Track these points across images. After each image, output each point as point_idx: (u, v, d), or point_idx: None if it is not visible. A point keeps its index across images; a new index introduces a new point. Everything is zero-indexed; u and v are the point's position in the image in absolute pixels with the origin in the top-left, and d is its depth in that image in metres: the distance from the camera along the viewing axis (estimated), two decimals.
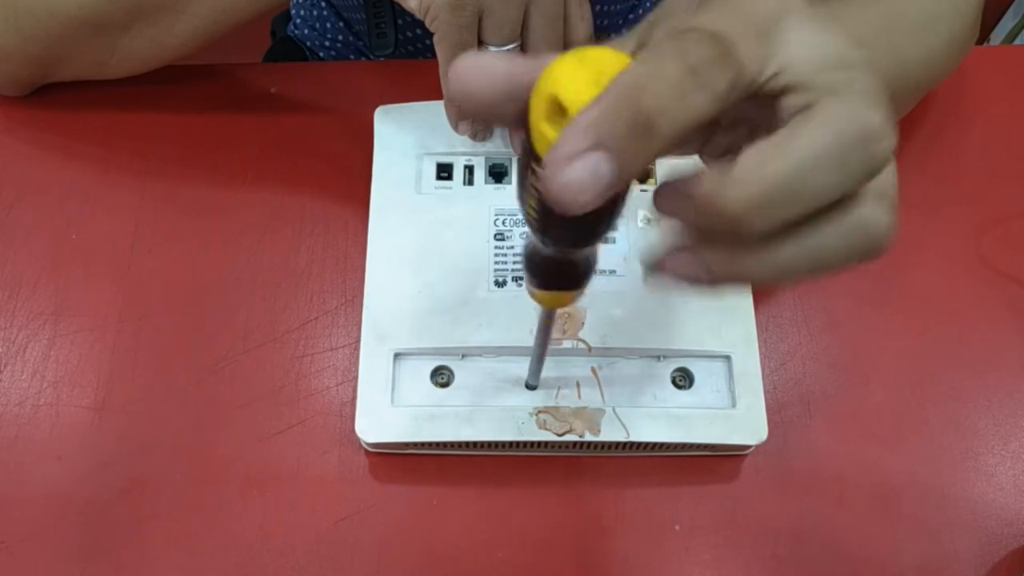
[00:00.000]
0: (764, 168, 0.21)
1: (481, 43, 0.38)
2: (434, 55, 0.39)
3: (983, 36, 0.89)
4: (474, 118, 0.42)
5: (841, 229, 0.22)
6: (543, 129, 0.21)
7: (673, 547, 0.40)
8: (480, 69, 0.22)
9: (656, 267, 0.24)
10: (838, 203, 0.22)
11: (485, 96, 0.22)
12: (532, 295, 0.30)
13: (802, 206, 0.21)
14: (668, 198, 0.23)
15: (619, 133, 0.20)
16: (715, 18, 0.21)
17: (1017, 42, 1.00)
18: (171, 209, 0.47)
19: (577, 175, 0.20)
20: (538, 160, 0.21)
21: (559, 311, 0.36)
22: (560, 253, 0.27)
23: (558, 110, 0.21)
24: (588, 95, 0.20)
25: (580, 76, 0.21)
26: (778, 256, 0.22)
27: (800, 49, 0.22)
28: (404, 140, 0.45)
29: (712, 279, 0.23)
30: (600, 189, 0.20)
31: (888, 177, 0.23)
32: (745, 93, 0.21)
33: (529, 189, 0.23)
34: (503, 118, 0.23)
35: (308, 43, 0.69)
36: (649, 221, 0.43)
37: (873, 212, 0.23)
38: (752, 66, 0.21)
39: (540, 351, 0.37)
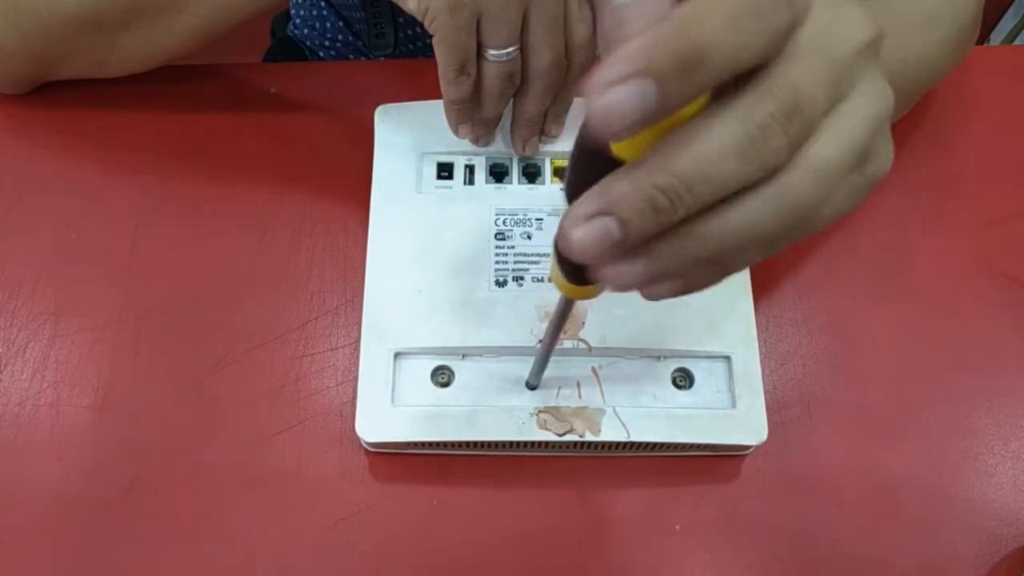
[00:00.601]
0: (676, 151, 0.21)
1: (480, 46, 0.38)
2: (434, 55, 0.39)
3: (983, 36, 0.89)
4: (473, 122, 0.42)
5: (767, 201, 0.22)
6: None
7: (673, 547, 0.40)
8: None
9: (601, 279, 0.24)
10: (762, 180, 0.22)
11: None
12: (558, 284, 0.29)
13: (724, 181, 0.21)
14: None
15: (667, 61, 0.19)
16: None
17: (1017, 42, 1.00)
18: (171, 209, 0.47)
19: (618, 98, 0.19)
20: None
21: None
22: None
23: None
24: None
25: None
26: (714, 234, 0.22)
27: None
28: (404, 140, 0.45)
29: (660, 274, 0.23)
30: (638, 117, 0.19)
31: (825, 148, 0.22)
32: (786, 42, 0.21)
33: (590, 175, 0.23)
34: None
35: (308, 43, 0.69)
36: None
37: (796, 179, 0.22)
38: (802, 14, 0.21)
39: (547, 348, 0.37)
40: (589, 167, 0.23)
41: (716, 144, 0.21)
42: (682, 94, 0.20)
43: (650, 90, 0.19)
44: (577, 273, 0.28)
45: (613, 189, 0.21)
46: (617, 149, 0.22)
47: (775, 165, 0.22)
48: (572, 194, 0.24)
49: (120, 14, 0.43)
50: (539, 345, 0.38)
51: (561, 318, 0.33)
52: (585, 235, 0.21)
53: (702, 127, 0.21)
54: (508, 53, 0.38)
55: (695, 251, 0.22)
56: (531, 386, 0.40)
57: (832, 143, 0.22)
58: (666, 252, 0.22)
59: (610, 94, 0.19)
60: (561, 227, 0.22)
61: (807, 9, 0.21)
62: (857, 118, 0.23)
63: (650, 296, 0.24)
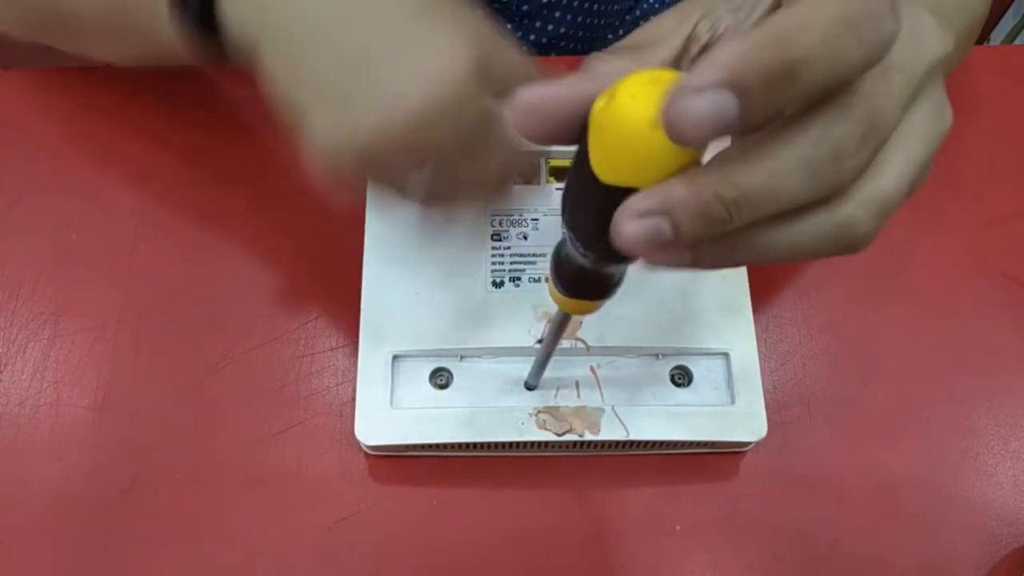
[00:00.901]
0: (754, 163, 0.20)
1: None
2: None
3: (983, 36, 0.89)
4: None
5: (822, 226, 0.22)
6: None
7: (673, 547, 0.40)
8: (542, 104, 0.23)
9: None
10: (823, 200, 0.21)
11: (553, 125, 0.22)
12: (556, 299, 0.29)
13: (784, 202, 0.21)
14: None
15: (756, 75, 0.18)
16: None
17: (1017, 42, 1.00)
18: (171, 209, 0.47)
19: (702, 107, 0.18)
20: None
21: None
22: (596, 266, 0.26)
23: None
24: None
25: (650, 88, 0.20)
26: (757, 245, 0.22)
27: None
28: None
29: (692, 265, 0.23)
30: (717, 128, 0.18)
31: (888, 180, 0.22)
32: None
33: (587, 203, 0.23)
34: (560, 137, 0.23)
35: None
36: None
37: (857, 214, 0.22)
38: (897, 30, 0.19)
39: (547, 352, 0.37)
40: (582, 188, 0.23)
41: (791, 161, 0.20)
42: (765, 111, 0.19)
43: (731, 104, 0.18)
44: (576, 287, 0.28)
45: (674, 192, 0.20)
46: (603, 174, 0.22)
47: (839, 186, 0.21)
48: (568, 209, 0.24)
49: (30, 36, 0.42)
50: (538, 346, 0.38)
51: (559, 328, 0.33)
52: (636, 231, 0.21)
53: (779, 141, 0.20)
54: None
55: (734, 256, 0.22)
56: (530, 387, 0.40)
57: (895, 172, 0.22)
58: (706, 252, 0.22)
59: (694, 101, 0.18)
60: (615, 219, 0.21)
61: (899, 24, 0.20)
62: (920, 141, 0.22)
63: (656, 267, 0.24)
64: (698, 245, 0.22)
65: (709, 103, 0.18)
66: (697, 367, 0.41)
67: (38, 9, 0.41)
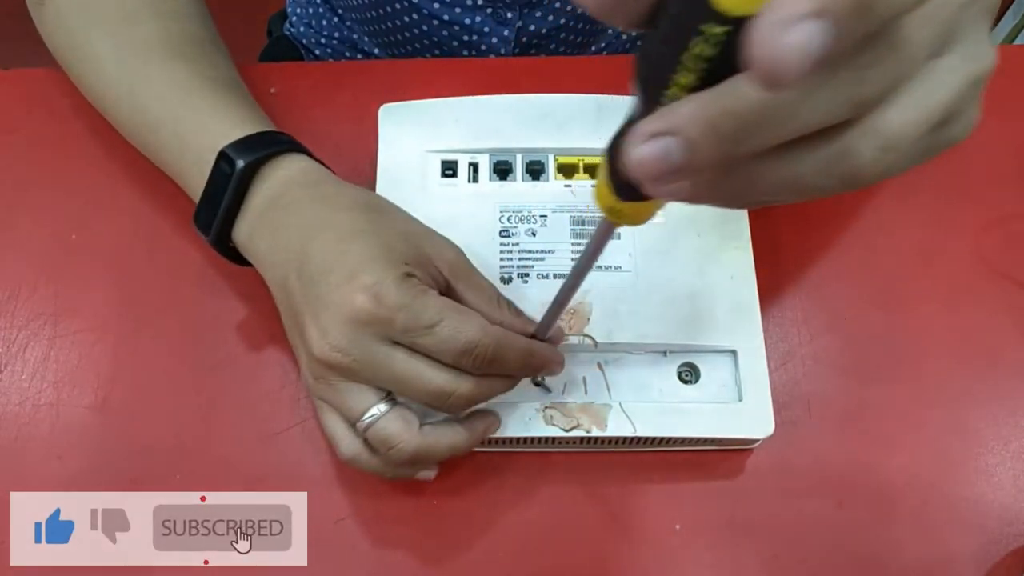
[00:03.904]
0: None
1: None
2: (436, 55, 0.38)
3: None
4: None
5: (824, 155, 0.21)
6: None
7: (673, 547, 0.40)
8: None
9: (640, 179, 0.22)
10: (831, 129, 0.21)
11: None
12: (607, 206, 0.26)
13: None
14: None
15: (845, 3, 0.18)
16: None
17: (1017, 42, 1.00)
18: (171, 209, 0.47)
19: (796, 39, 0.17)
20: (718, 19, 0.19)
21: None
22: None
23: None
24: None
25: None
26: (760, 177, 0.21)
27: None
28: (408, 138, 0.45)
29: (691, 197, 0.22)
30: (811, 62, 0.18)
31: (901, 115, 0.21)
32: None
33: (686, 63, 0.20)
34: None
35: (304, 41, 0.68)
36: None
37: (859, 144, 0.21)
38: None
39: (575, 282, 0.33)
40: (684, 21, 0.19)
41: (817, 81, 0.19)
42: (847, 40, 0.18)
43: (823, 33, 0.17)
44: (633, 189, 0.24)
45: (683, 111, 0.20)
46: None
47: (852, 114, 0.20)
48: (651, 63, 0.21)
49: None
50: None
51: (598, 247, 0.30)
52: (645, 153, 0.20)
53: None
54: (373, 416, 0.36)
55: (737, 188, 0.22)
56: (537, 383, 0.40)
57: (911, 108, 0.21)
58: (705, 184, 0.21)
59: (790, 33, 0.17)
60: (620, 141, 0.20)
61: None
62: (951, 78, 0.22)
63: (660, 197, 0.23)
64: (698, 176, 0.21)
65: (804, 33, 0.17)
66: (704, 364, 0.41)
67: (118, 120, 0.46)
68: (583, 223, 0.43)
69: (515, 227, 0.43)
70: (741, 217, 0.44)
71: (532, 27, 0.58)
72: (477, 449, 0.41)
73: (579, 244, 0.43)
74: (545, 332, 0.38)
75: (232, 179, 0.39)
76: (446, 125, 0.45)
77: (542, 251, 0.42)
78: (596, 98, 0.45)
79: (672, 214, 0.44)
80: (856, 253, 0.47)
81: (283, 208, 0.39)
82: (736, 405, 0.40)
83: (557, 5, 0.56)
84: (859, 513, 0.41)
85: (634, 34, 0.64)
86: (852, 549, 0.40)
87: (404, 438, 0.36)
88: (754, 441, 0.41)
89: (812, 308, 0.45)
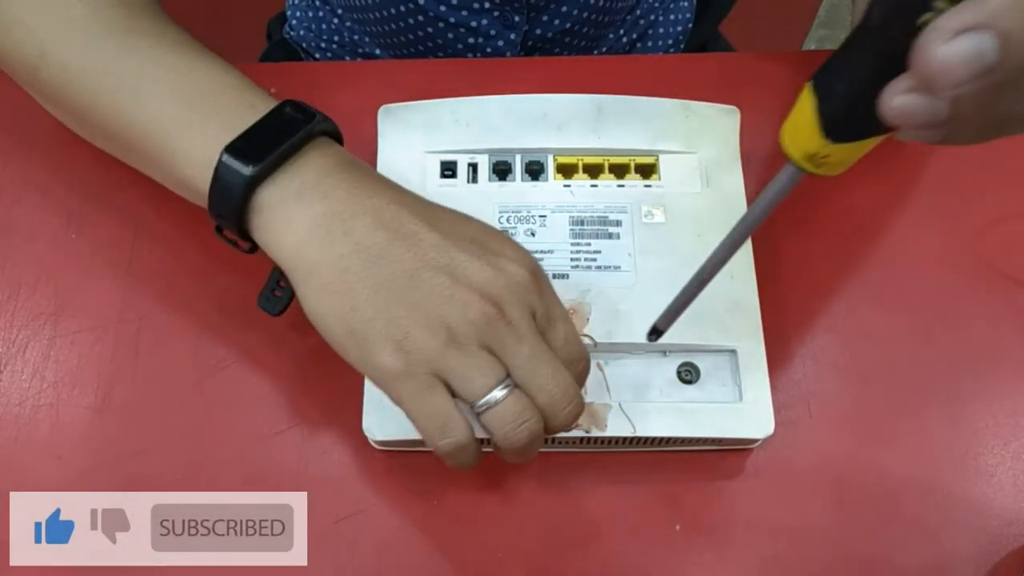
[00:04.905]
0: None
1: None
2: (438, 55, 0.38)
3: None
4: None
5: None
6: None
7: (673, 547, 0.40)
8: None
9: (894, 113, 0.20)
10: None
11: None
12: (814, 157, 0.23)
13: None
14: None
15: None
16: None
17: None
18: (171, 209, 0.47)
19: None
20: None
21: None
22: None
23: None
24: None
25: None
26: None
27: None
28: (408, 139, 0.45)
29: (949, 129, 0.21)
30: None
31: None
32: None
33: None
34: None
35: (304, 44, 0.68)
36: (652, 215, 0.43)
37: None
38: None
39: (731, 248, 0.30)
40: None
41: None
42: None
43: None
44: (852, 125, 0.22)
45: (994, 2, 0.18)
46: None
47: None
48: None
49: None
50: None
51: (771, 206, 0.26)
52: (956, 51, 0.18)
53: None
54: (496, 399, 0.33)
55: (1004, 110, 0.20)
56: (659, 331, 0.37)
57: None
58: (978, 106, 0.20)
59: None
60: (917, 49, 0.18)
61: None
62: None
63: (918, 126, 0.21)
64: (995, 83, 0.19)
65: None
66: (704, 364, 0.41)
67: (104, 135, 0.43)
68: (582, 223, 0.43)
69: (514, 227, 0.43)
70: None
71: (538, 31, 0.58)
72: None
73: (578, 244, 0.43)
74: (669, 323, 0.36)
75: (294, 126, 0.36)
76: (445, 125, 0.45)
77: (541, 251, 0.42)
78: (596, 98, 0.45)
79: (672, 214, 0.44)
80: (856, 253, 0.47)
81: (356, 173, 0.36)
82: (736, 405, 0.40)
83: (564, 9, 0.57)
84: (859, 513, 0.41)
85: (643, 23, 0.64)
86: (852, 549, 0.40)
87: (531, 415, 0.33)
88: (754, 441, 0.41)
89: (812, 308, 0.45)
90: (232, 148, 0.35)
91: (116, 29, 0.40)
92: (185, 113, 0.38)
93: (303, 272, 0.35)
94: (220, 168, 0.35)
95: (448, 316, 0.33)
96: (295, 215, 0.35)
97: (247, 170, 0.35)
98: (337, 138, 0.39)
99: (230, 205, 0.36)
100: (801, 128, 0.23)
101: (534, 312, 0.34)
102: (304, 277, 0.35)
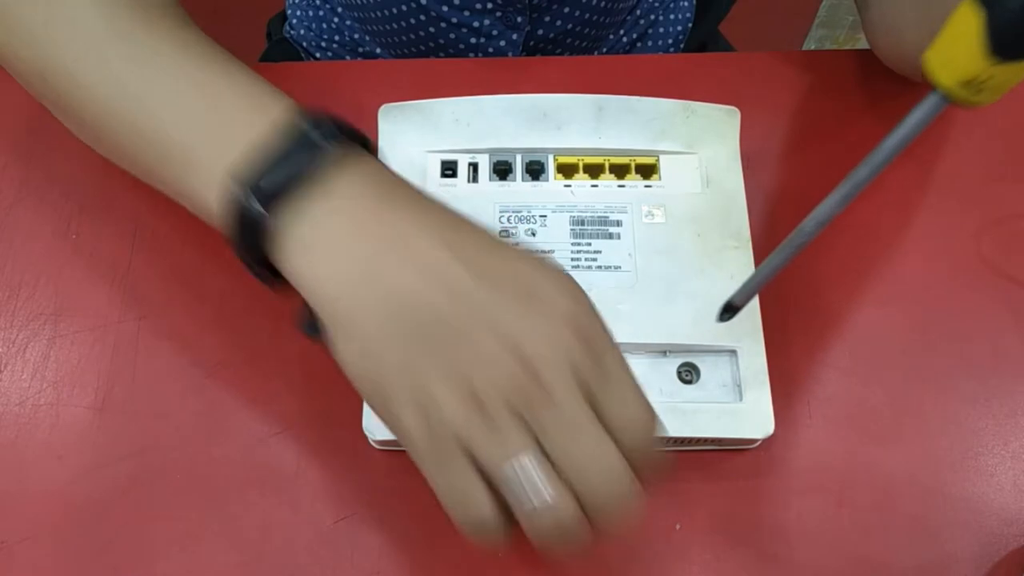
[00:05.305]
0: None
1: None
2: (438, 55, 0.38)
3: None
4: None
5: None
6: None
7: (673, 547, 0.40)
8: None
9: None
10: None
11: None
12: (972, 82, 0.21)
13: None
14: None
15: None
16: None
17: None
18: (171, 209, 0.47)
19: None
20: None
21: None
22: None
23: None
24: None
25: None
26: None
27: None
28: (408, 138, 0.45)
29: None
30: None
31: None
32: None
33: None
34: None
35: (304, 43, 0.68)
36: (652, 215, 0.43)
37: None
38: None
39: (864, 181, 0.27)
40: None
41: None
42: None
43: None
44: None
45: None
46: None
47: None
48: None
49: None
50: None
51: (907, 139, 0.24)
52: None
53: None
54: (514, 473, 0.29)
55: None
56: (735, 307, 0.35)
57: None
58: None
59: None
60: None
61: None
62: None
63: None
64: None
65: None
66: (704, 364, 0.41)
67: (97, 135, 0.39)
68: (583, 223, 0.43)
69: (515, 227, 0.43)
70: (741, 217, 0.44)
71: (540, 31, 0.58)
72: None
73: (579, 244, 0.43)
74: (748, 299, 0.33)
75: (316, 151, 0.32)
76: (446, 125, 0.45)
77: (541, 251, 0.43)
78: (596, 98, 0.45)
79: (672, 214, 0.44)
80: (856, 253, 0.47)
81: (384, 202, 0.32)
82: (736, 405, 0.40)
83: (566, 10, 0.57)
84: (859, 513, 0.41)
85: (635, 37, 0.64)
86: (852, 549, 0.40)
87: (559, 497, 0.29)
88: (754, 441, 0.41)
89: (812, 308, 0.45)
90: (250, 183, 0.32)
91: (128, 32, 0.36)
92: (201, 135, 0.34)
93: (331, 315, 0.31)
94: (237, 208, 0.32)
95: (476, 377, 0.29)
96: (324, 255, 0.31)
97: (267, 217, 0.31)
98: (368, 147, 0.35)
99: (251, 253, 0.33)
100: (958, 49, 0.21)
101: (580, 371, 0.29)
102: (332, 321, 0.31)
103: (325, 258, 0.31)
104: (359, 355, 0.31)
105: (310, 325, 0.33)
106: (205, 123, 0.34)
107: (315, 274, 0.31)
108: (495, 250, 0.31)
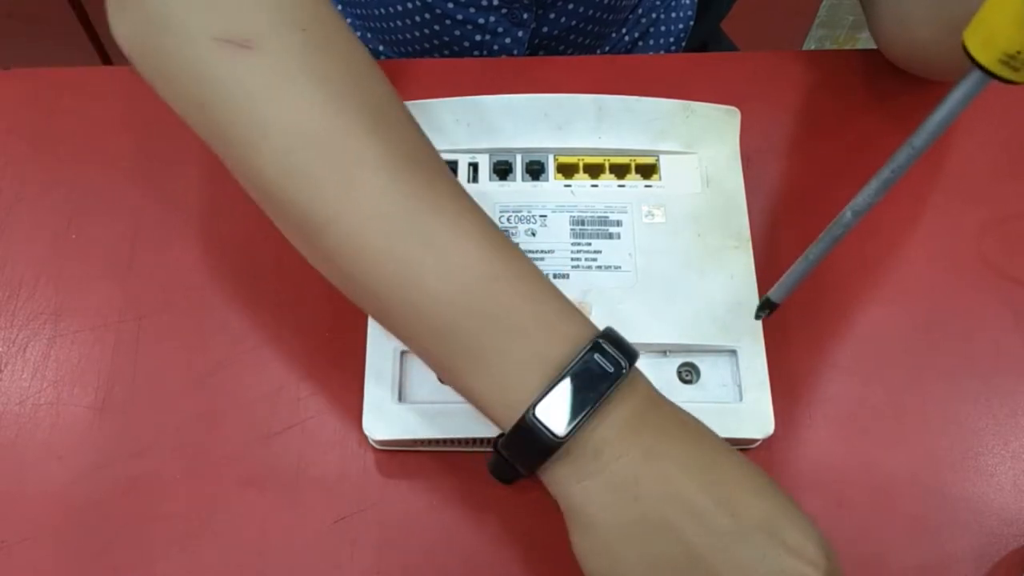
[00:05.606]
0: None
1: None
2: (438, 54, 0.37)
3: None
4: None
5: None
6: None
7: None
8: None
9: None
10: None
11: None
12: (1017, 56, 0.21)
13: None
14: None
15: None
16: None
17: None
18: (171, 209, 0.47)
19: None
20: None
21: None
22: None
23: None
24: None
25: None
26: None
27: None
28: None
29: None
30: None
31: None
32: None
33: None
34: None
35: None
36: (653, 215, 0.43)
37: None
38: None
39: (907, 163, 0.27)
40: None
41: None
42: None
43: None
44: None
45: None
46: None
47: None
48: None
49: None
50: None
51: (946, 123, 0.24)
52: None
53: None
54: None
55: None
56: (774, 303, 0.34)
57: None
58: None
59: None
60: None
61: None
62: None
63: None
64: None
65: None
66: (704, 364, 0.41)
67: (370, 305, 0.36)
68: (583, 223, 0.43)
69: (515, 227, 0.43)
70: (741, 217, 0.44)
71: (545, 28, 0.58)
72: (477, 450, 0.41)
73: (579, 244, 0.43)
74: (787, 294, 0.33)
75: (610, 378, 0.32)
76: (446, 125, 0.45)
77: (542, 251, 0.42)
78: (596, 98, 0.45)
79: (672, 214, 0.44)
80: (856, 253, 0.47)
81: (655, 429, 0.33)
82: (736, 405, 0.40)
83: (571, 7, 0.57)
84: (859, 513, 0.41)
85: (636, 36, 0.64)
86: (852, 549, 0.40)
87: None
88: (754, 441, 0.41)
89: (812, 308, 0.45)
90: (542, 409, 0.31)
91: (411, 201, 0.33)
92: (487, 337, 0.32)
93: (581, 524, 0.32)
94: (525, 425, 0.31)
95: None
96: (588, 471, 0.32)
97: (555, 438, 0.31)
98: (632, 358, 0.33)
99: (528, 460, 0.32)
100: (1000, 24, 0.20)
101: None
102: (581, 530, 0.32)
103: (588, 472, 0.32)
104: (598, 560, 0.32)
105: (506, 470, 0.34)
106: (494, 326, 0.32)
107: (570, 492, 0.32)
108: (744, 481, 0.32)
